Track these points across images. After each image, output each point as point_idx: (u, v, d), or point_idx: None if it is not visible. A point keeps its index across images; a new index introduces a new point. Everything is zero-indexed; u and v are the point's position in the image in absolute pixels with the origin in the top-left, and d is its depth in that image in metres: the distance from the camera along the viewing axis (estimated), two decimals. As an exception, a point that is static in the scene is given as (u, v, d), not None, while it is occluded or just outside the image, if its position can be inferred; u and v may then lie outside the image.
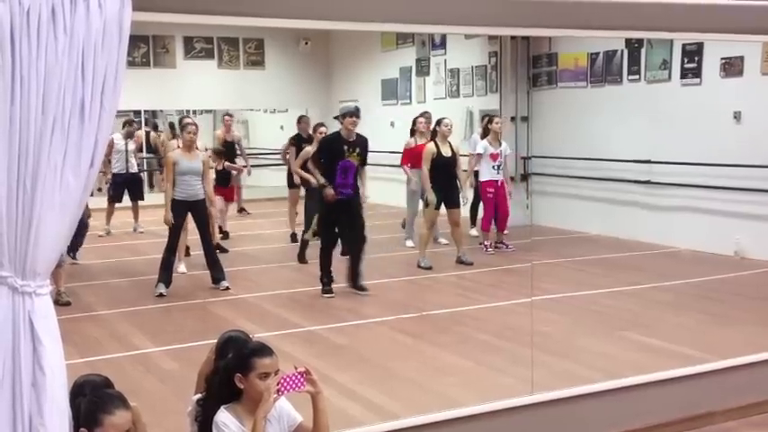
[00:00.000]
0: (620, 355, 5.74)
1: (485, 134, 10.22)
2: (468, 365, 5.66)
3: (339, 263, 8.03)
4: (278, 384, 2.97)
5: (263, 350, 3.01)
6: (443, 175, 9.04)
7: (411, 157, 10.12)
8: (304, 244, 9.45)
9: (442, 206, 9.19)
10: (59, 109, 2.53)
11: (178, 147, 8.56)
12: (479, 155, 9.97)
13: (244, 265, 9.46)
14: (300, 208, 10.50)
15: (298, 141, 10.47)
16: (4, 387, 2.56)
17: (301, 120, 11.03)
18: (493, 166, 9.90)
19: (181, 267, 8.77)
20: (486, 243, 9.92)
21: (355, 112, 7.68)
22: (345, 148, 7.64)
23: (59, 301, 7.01)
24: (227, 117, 12.14)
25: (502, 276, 8.73)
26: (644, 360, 5.52)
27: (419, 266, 8.89)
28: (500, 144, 10.00)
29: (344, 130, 7.67)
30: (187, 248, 9.49)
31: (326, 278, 7.75)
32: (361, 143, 7.79)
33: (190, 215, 8.08)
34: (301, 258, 9.40)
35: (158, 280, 7.84)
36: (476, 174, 10.50)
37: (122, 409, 2.67)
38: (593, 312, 7.12)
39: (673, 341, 5.97)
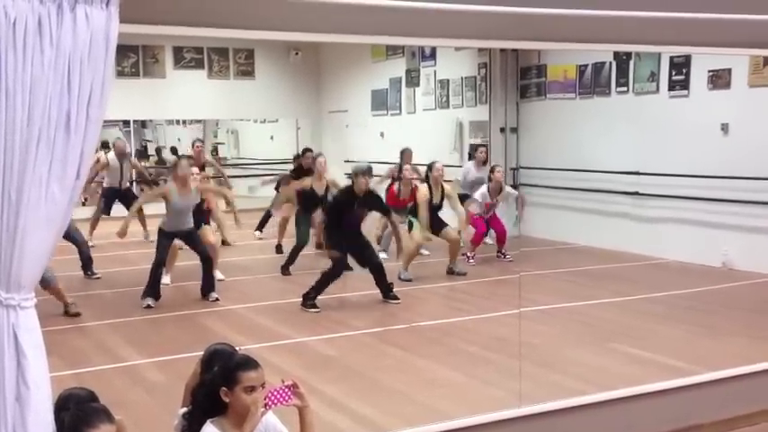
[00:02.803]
0: (609, 366, 5.73)
1: (470, 158, 10.27)
2: (457, 377, 5.65)
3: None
4: (265, 398, 2.95)
5: (249, 363, 2.99)
6: (430, 218, 9.16)
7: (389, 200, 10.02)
8: (293, 256, 9.44)
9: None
10: (45, 121, 2.52)
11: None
12: (473, 199, 10.05)
13: (233, 275, 9.41)
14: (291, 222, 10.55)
15: (297, 175, 10.60)
16: (-12, 401, 2.54)
17: (305, 154, 11.16)
18: (481, 205, 9.97)
19: (165, 279, 8.72)
20: (469, 254, 9.92)
21: (368, 171, 7.91)
22: (355, 205, 7.85)
23: (69, 312, 7.42)
24: (197, 144, 11.93)
25: (491, 287, 8.72)
26: (632, 372, 5.52)
27: (399, 278, 8.86)
28: (500, 191, 10.07)
29: (356, 187, 7.85)
30: None
31: (316, 295, 7.72)
32: (372, 201, 8.03)
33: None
34: (285, 270, 9.41)
35: (145, 293, 7.82)
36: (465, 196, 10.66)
37: (106, 422, 2.65)
38: (582, 324, 7.12)
39: (661, 353, 5.97)
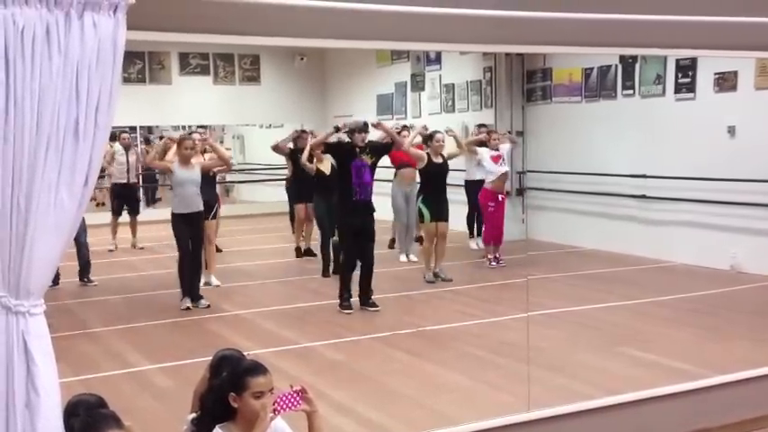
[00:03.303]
0: (617, 370, 5.72)
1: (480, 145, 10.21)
2: (465, 382, 5.64)
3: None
4: (274, 403, 2.95)
5: (257, 369, 2.99)
6: (434, 185, 9.04)
7: (395, 158, 9.94)
8: (326, 256, 9.35)
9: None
10: (54, 127, 2.53)
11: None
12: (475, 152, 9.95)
13: (239, 280, 9.43)
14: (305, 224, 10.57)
15: (294, 155, 10.53)
16: (-2, 407, 2.54)
17: (302, 135, 11.13)
18: (494, 167, 9.86)
19: (212, 280, 8.80)
20: (489, 257, 9.87)
21: (364, 128, 7.84)
22: (357, 150, 7.75)
23: None
24: (200, 131, 11.96)
25: (498, 291, 8.71)
26: (640, 375, 5.50)
27: (427, 281, 8.85)
28: (497, 149, 10.03)
29: (355, 143, 7.78)
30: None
31: (348, 293, 7.71)
32: (372, 145, 7.92)
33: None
34: (326, 272, 9.31)
35: (182, 294, 7.93)
36: (469, 184, 10.58)
37: (116, 429, 2.65)
38: (590, 327, 7.11)
39: (669, 356, 5.96)
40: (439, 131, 9.38)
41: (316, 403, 3.07)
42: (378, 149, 7.98)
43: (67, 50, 2.50)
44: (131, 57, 15.11)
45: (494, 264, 9.82)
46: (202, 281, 8.51)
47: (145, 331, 7.25)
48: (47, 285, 2.67)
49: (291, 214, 11.79)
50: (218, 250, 11.32)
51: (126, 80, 14.75)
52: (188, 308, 7.81)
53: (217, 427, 2.96)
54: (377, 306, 7.76)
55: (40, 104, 2.49)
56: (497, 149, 10.07)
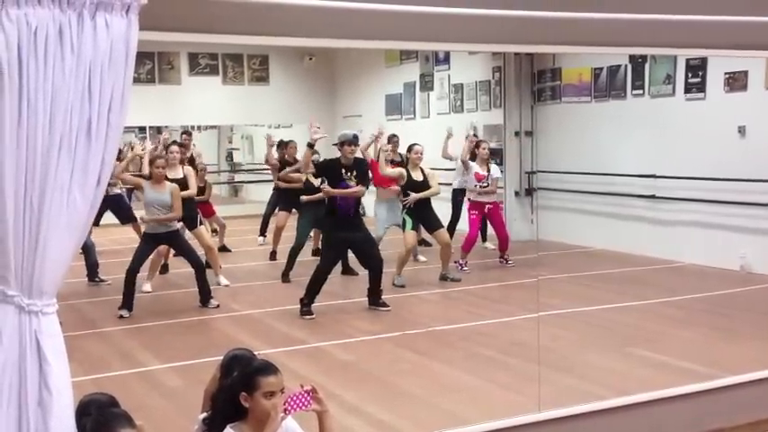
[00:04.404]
0: (628, 371, 5.70)
1: (472, 157, 10.09)
2: (475, 382, 5.64)
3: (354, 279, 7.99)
4: (285, 403, 2.96)
5: (268, 369, 3.00)
6: (426, 213, 9.03)
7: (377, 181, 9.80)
8: (291, 261, 9.30)
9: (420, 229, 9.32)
10: (66, 127, 2.54)
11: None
12: (465, 165, 9.89)
13: (248, 280, 9.44)
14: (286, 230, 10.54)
15: (282, 167, 10.56)
16: (11, 406, 2.55)
17: (288, 145, 11.13)
18: (476, 185, 9.83)
19: (146, 286, 8.68)
20: (461, 262, 9.68)
21: (354, 141, 7.80)
22: (343, 171, 7.70)
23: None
24: (184, 138, 11.93)
25: (508, 291, 8.70)
26: (652, 376, 5.48)
27: (394, 285, 8.75)
28: (488, 169, 9.93)
29: (344, 157, 7.74)
30: (165, 266, 9.57)
31: (310, 300, 7.61)
32: (358, 165, 7.85)
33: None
34: (285, 277, 9.27)
35: (122, 304, 7.69)
36: (457, 192, 10.59)
37: (128, 428, 2.66)
38: (600, 328, 7.09)
39: (680, 357, 5.94)
40: (417, 144, 9.31)
41: (326, 403, 3.08)
42: (363, 175, 7.89)
43: (80, 51, 2.51)
44: (141, 57, 15.04)
45: (466, 269, 9.62)
46: (212, 283, 8.48)
47: (155, 331, 7.27)
48: (59, 285, 2.68)
49: (267, 218, 11.78)
50: (227, 250, 11.40)
51: (135, 80, 14.40)
52: (121, 317, 7.59)
53: (228, 426, 2.96)
54: (387, 306, 7.76)
55: (53, 104, 2.50)
56: (486, 165, 9.90)
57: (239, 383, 2.98)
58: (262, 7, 3.33)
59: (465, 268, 9.68)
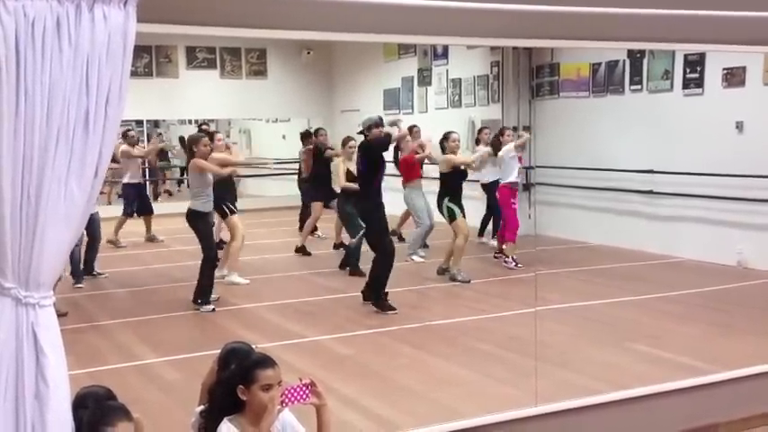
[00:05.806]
0: (625, 365, 5.71)
1: (477, 143, 10.13)
2: (472, 376, 5.64)
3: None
4: (282, 396, 2.96)
5: (266, 362, 3.00)
6: (460, 186, 9.01)
7: (405, 169, 9.95)
8: (356, 252, 9.15)
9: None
10: (64, 120, 2.53)
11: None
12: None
13: (246, 275, 9.43)
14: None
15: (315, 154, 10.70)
16: (8, 399, 2.55)
17: (318, 132, 11.24)
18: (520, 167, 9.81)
19: (230, 275, 8.79)
20: (511, 257, 9.44)
21: (380, 123, 7.94)
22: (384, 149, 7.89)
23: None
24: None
25: (505, 286, 8.71)
26: (648, 371, 5.50)
27: (455, 280, 8.66)
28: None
29: (372, 138, 7.80)
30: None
31: (384, 292, 7.52)
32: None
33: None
34: (355, 269, 9.03)
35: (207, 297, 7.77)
36: (486, 187, 10.55)
37: (125, 420, 2.66)
38: (598, 323, 7.10)
39: (677, 352, 5.95)
40: (453, 131, 9.28)
41: (324, 397, 3.08)
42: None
43: (78, 43, 2.50)
44: (138, 50, 14.83)
45: (516, 264, 9.35)
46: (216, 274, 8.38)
47: (152, 324, 7.27)
48: (56, 277, 2.68)
49: (303, 212, 11.78)
50: (224, 243, 11.33)
51: (133, 74, 14.51)
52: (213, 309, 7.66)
53: (225, 419, 2.96)
54: (395, 309, 7.70)
55: (51, 97, 2.50)
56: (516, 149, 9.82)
57: (237, 376, 2.98)
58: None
59: (519, 264, 9.34)
